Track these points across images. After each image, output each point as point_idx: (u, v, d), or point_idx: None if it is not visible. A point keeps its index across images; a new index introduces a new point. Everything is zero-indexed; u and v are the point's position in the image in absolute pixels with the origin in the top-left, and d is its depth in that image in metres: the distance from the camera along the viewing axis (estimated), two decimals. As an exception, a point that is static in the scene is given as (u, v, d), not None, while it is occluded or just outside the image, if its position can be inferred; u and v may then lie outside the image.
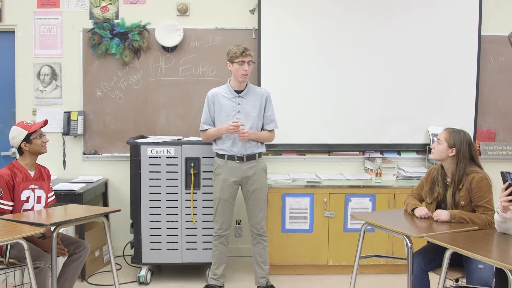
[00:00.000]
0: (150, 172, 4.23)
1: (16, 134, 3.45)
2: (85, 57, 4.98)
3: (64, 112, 4.95)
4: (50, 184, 3.69)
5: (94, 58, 4.97)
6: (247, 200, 3.96)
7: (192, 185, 4.21)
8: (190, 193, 4.23)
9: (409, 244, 2.86)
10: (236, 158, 3.88)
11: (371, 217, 3.37)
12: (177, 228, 4.27)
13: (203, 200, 4.23)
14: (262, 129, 4.00)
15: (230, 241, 4.97)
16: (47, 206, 3.60)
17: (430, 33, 4.87)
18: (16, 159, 3.52)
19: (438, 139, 3.20)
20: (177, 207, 4.26)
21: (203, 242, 4.26)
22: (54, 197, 3.71)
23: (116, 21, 4.96)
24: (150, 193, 4.24)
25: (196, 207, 4.25)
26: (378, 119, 4.92)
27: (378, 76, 4.90)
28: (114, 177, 5.03)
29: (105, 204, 5.02)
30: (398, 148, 5.00)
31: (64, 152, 5.00)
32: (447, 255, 2.59)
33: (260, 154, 3.95)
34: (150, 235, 4.26)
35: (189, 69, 4.99)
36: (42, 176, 3.59)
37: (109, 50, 4.92)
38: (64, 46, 5.01)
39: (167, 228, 4.26)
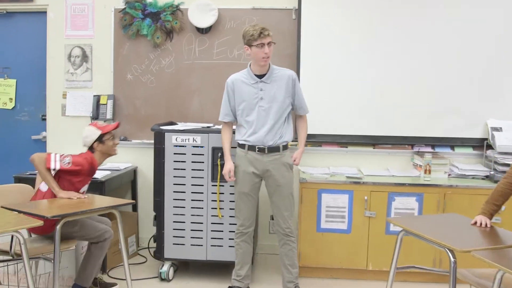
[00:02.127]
0: (174, 161, 3.94)
1: (90, 134, 3.54)
2: (116, 38, 4.75)
3: (94, 95, 4.75)
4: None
5: (125, 40, 4.73)
6: (271, 196, 3.60)
7: (218, 177, 3.89)
8: (216, 185, 3.91)
9: (452, 259, 2.42)
10: (256, 149, 3.52)
11: (411, 223, 2.92)
12: (202, 223, 3.97)
13: (230, 193, 3.89)
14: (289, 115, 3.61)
15: (264, 237, 4.69)
16: None
17: (493, 12, 4.30)
18: (94, 154, 3.57)
19: None
20: (202, 200, 3.96)
21: (229, 239, 3.93)
22: None
23: (148, 0, 4.69)
24: (174, 184, 3.96)
25: (222, 201, 3.93)
26: (430, 109, 4.41)
27: (430, 62, 4.38)
28: (143, 165, 4.79)
29: (134, 193, 4.80)
30: (452, 143, 4.47)
31: (92, 138, 4.79)
32: (498, 277, 2.14)
33: (285, 146, 3.57)
34: (174, 229, 3.98)
35: (224, 52, 4.65)
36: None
37: (141, 31, 4.66)
38: (96, 27, 4.81)
39: (191, 223, 3.97)
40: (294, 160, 3.64)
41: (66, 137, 4.84)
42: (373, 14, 4.40)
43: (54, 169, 3.33)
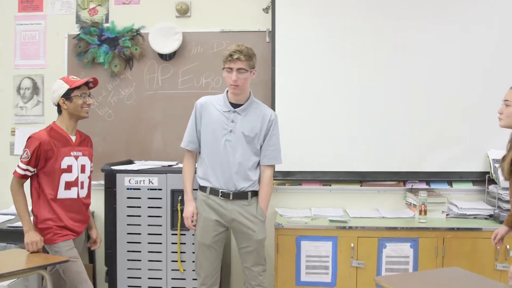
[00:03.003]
0: (128, 207, 3.40)
1: (57, 88, 2.99)
2: (70, 68, 4.23)
3: (45, 132, 4.21)
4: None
5: (80, 69, 4.21)
6: (239, 249, 3.04)
7: (179, 224, 3.33)
8: (176, 234, 3.35)
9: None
10: (220, 194, 2.96)
11: (405, 284, 2.35)
12: (161, 279, 3.39)
13: (193, 243, 3.32)
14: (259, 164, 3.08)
15: (237, 290, 4.10)
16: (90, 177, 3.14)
17: (495, 28, 3.82)
18: (54, 121, 3.06)
19: (506, 100, 2.59)
20: (161, 252, 3.39)
21: (193, 297, 3.35)
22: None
23: (106, 25, 4.20)
24: (128, 233, 3.40)
25: (184, 252, 3.37)
26: (424, 140, 3.88)
27: (424, 86, 3.88)
28: (100, 210, 4.16)
29: (90, 241, 4.20)
30: (449, 177, 3.92)
31: (43, 179, 4.23)
32: None
33: (255, 192, 3.02)
34: (128, 286, 3.40)
35: (190, 80, 4.14)
36: (85, 142, 3.13)
37: (97, 59, 4.15)
38: (48, 55, 4.29)
39: (148, 278, 3.40)
40: None
41: (15, 179, 4.28)
42: (356, 35, 3.92)
43: (27, 174, 2.91)
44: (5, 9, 4.31)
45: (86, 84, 3.04)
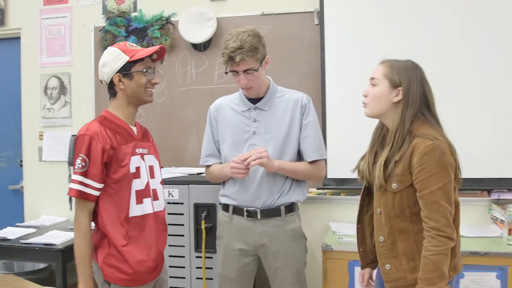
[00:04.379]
0: (145, 224, 2.87)
1: (110, 59, 2.06)
2: (97, 63, 3.79)
3: (72, 135, 3.81)
4: None
5: (107, 65, 3.78)
6: (271, 282, 2.42)
7: (203, 245, 2.77)
8: (201, 257, 2.79)
9: None
10: (245, 213, 2.36)
11: None
12: (184, 310, 2.85)
13: (221, 269, 2.77)
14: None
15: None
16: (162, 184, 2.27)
17: None
18: (106, 109, 2.16)
19: (372, 78, 2.00)
20: (184, 278, 2.86)
21: (222, 333, 2.78)
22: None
23: (133, 14, 3.75)
24: (146, 255, 2.87)
25: (211, 279, 2.80)
26: (513, 139, 3.08)
27: (507, 70, 3.08)
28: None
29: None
30: (550, 187, 3.10)
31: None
32: None
33: (289, 208, 2.38)
34: (148, 318, 2.88)
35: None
36: (147, 135, 2.27)
37: (124, 52, 3.70)
38: (74, 51, 3.92)
39: (170, 309, 2.86)
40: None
41: (45, 187, 3.95)
42: (419, 11, 3.19)
43: (90, 191, 1.99)
44: (31, 3, 3.98)
45: (149, 56, 2.11)
